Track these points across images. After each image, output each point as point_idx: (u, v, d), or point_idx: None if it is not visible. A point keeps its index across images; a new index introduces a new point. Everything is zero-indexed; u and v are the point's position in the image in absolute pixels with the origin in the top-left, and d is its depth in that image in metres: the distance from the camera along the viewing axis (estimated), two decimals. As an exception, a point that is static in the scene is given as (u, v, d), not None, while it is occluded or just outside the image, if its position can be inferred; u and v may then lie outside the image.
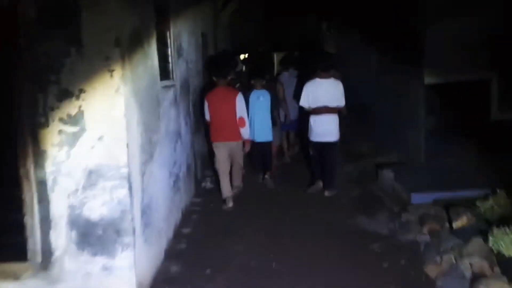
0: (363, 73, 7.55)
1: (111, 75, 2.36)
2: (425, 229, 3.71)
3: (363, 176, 5.51)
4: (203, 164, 5.65)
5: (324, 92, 4.53)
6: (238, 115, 4.33)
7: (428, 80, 5.29)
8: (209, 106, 4.42)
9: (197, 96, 5.44)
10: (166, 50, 3.79)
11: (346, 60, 8.80)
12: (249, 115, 4.80)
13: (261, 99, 4.97)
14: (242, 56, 16.40)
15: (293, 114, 5.93)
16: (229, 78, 4.59)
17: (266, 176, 5.33)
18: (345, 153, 6.62)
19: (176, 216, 3.85)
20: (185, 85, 4.56)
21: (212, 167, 4.91)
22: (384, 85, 6.56)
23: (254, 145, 4.97)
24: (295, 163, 6.45)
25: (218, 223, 4.16)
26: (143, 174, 2.75)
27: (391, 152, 6.09)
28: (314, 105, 4.55)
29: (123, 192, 2.45)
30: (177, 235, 3.73)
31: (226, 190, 4.50)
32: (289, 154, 6.54)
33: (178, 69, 4.12)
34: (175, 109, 3.91)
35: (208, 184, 5.31)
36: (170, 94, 3.76)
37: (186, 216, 4.20)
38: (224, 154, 4.44)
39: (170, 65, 3.89)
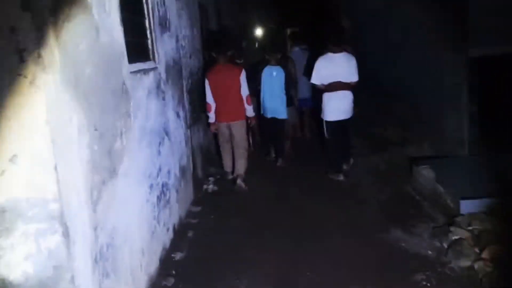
0: (388, 45, 6.44)
1: (21, 58, 1.43)
2: (486, 254, 2.77)
3: (392, 172, 4.52)
4: (205, 160, 4.76)
5: (337, 67, 4.16)
6: (244, 93, 4.15)
7: (474, 52, 4.21)
8: (210, 85, 4.15)
9: (195, 79, 4.50)
10: (142, 21, 2.82)
11: (366, 31, 7.68)
12: (262, 91, 4.80)
13: (275, 74, 4.71)
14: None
15: (306, 91, 5.60)
16: (229, 54, 4.25)
17: (278, 164, 5.02)
18: (368, 140, 5.67)
19: (164, 238, 2.97)
20: (175, 67, 3.61)
21: (217, 150, 4.69)
22: (414, 59, 5.47)
23: (265, 121, 4.88)
24: (310, 147, 5.77)
25: (219, 242, 3.25)
26: (96, 202, 1.85)
27: (424, 140, 5.08)
28: (327, 81, 4.19)
29: (54, 239, 1.56)
30: (165, 264, 2.84)
31: (227, 165, 4.49)
32: (304, 134, 6.26)
33: (162, 47, 3.16)
34: (158, 100, 2.98)
35: (211, 187, 4.40)
36: (149, 80, 2.81)
37: (180, 234, 3.30)
38: (226, 134, 4.34)
39: (149, 41, 2.93)
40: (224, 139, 4.38)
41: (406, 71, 5.77)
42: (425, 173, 3.91)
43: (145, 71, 2.74)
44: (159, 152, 2.94)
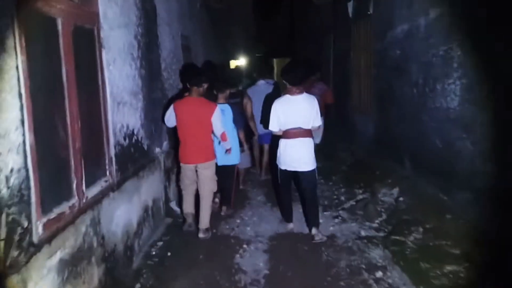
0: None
1: None
2: None
3: None
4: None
5: (297, 111, 3.57)
6: (218, 131, 3.70)
7: None
8: (176, 117, 3.64)
9: None
10: None
11: (403, 59, 4.68)
12: None
13: (223, 115, 3.92)
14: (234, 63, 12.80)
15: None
16: (204, 86, 3.72)
17: (222, 213, 4.31)
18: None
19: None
20: None
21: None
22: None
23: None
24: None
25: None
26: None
27: None
28: (285, 127, 3.62)
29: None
30: None
31: (188, 205, 3.83)
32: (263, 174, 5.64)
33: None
34: None
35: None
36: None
37: None
38: (191, 176, 3.78)
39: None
40: (188, 181, 3.81)
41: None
42: None
43: None
44: None
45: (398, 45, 4.66)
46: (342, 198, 4.67)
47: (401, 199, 4.02)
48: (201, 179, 3.72)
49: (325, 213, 4.26)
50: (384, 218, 3.92)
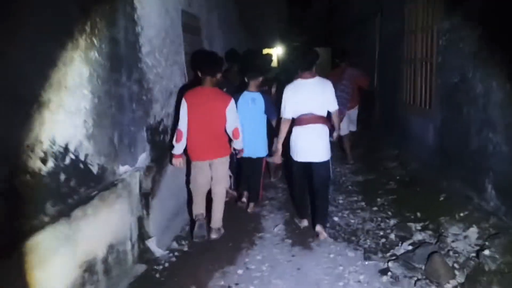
0: None
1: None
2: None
3: None
4: None
5: (309, 96, 3.34)
6: (230, 127, 3.36)
7: None
8: (188, 109, 3.24)
9: None
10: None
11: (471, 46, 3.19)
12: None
13: (253, 102, 3.86)
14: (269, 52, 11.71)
15: None
16: (218, 76, 3.38)
17: (249, 210, 4.01)
18: None
19: None
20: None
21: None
22: None
23: (241, 161, 4.00)
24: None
25: None
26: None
27: None
28: (296, 114, 3.39)
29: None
30: None
31: (199, 206, 3.41)
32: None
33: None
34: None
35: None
36: None
37: None
38: (206, 175, 3.42)
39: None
40: (202, 180, 3.41)
41: None
42: None
43: None
44: None
45: (481, 20, 3.17)
46: (392, 236, 3.30)
47: (487, 252, 2.59)
48: (215, 176, 3.46)
49: (367, 262, 2.92)
50: (461, 283, 2.53)
